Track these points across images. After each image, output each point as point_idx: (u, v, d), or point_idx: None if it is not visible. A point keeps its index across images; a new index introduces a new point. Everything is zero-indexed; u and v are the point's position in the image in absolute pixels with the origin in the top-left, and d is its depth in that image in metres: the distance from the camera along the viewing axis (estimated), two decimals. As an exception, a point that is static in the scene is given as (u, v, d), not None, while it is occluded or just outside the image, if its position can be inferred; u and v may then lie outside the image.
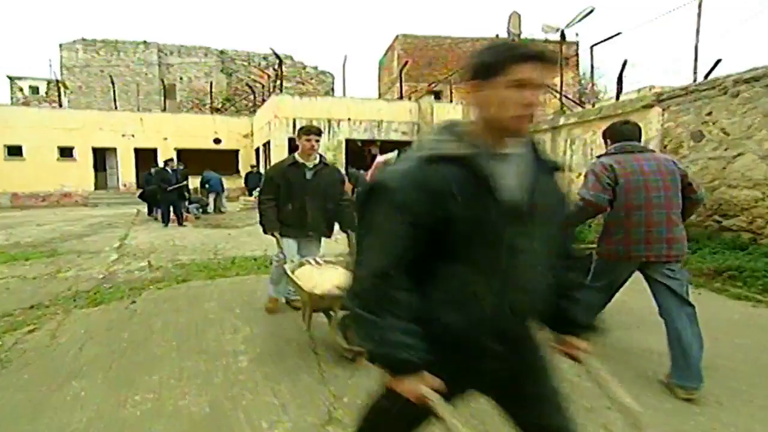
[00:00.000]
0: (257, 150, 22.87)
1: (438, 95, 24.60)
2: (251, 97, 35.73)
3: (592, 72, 16.36)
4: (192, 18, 77.85)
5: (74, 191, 21.41)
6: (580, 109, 13.35)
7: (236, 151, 23.73)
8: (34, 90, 26.83)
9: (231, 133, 23.49)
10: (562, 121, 10.41)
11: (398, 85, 25.89)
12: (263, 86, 28.57)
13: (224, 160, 23.48)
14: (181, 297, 5.02)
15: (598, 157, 3.06)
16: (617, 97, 11.53)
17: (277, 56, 19.34)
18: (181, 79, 35.16)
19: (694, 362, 2.68)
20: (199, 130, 22.94)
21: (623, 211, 2.87)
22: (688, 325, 2.75)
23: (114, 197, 21.30)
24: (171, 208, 11.31)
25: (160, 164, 17.55)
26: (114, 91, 24.15)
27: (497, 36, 21.68)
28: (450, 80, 26.15)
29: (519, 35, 29.78)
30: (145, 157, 22.43)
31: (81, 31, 71.05)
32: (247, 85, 38.92)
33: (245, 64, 38.03)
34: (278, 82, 21.36)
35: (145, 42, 34.91)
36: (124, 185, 22.21)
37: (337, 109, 18.69)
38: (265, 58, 38.14)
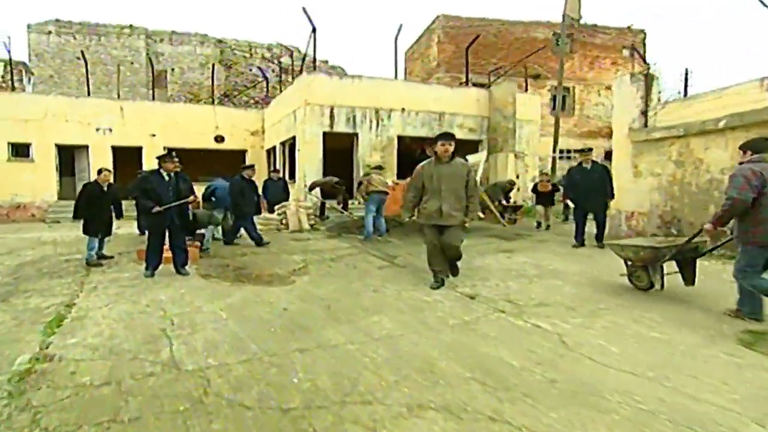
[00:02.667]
0: (270, 151, 17.89)
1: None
2: (252, 92, 31.03)
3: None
4: (186, 1, 71.28)
5: (30, 202, 16.24)
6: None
7: (243, 152, 18.77)
8: (-13, 73, 21.64)
9: (236, 129, 18.52)
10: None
11: (441, 75, 21.25)
12: (267, 81, 23.83)
13: (228, 163, 18.47)
14: None
15: (740, 163, 4.07)
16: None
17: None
18: (172, 70, 30.19)
19: None
20: (196, 125, 17.94)
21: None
22: None
23: (83, 210, 16.14)
24: (163, 240, 6.38)
25: (147, 167, 12.81)
26: (87, 77, 19.07)
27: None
28: (504, 71, 21.56)
29: (579, 20, 25.19)
30: (126, 157, 17.35)
31: (53, 11, 64.61)
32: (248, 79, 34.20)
33: (246, 55, 33.29)
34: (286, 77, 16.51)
35: (130, 26, 29.99)
36: (98, 194, 17.04)
37: (386, 95, 13.89)
38: (269, 49, 33.48)
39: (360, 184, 10.11)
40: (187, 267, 6.43)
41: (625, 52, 24.99)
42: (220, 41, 32.25)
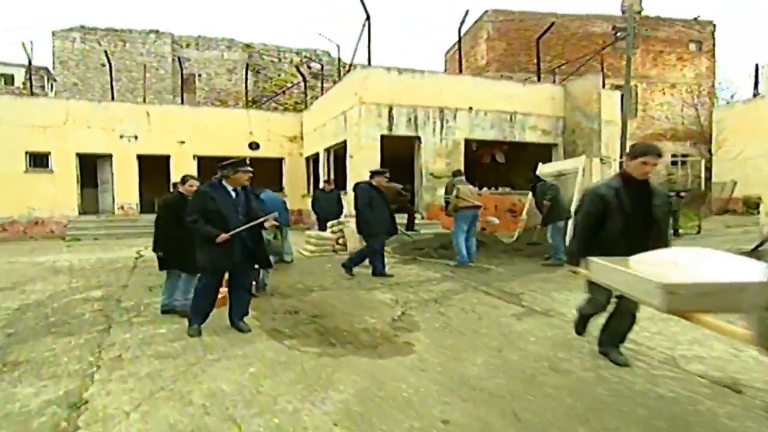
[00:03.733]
0: (311, 159, 16.08)
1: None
2: (281, 99, 29.48)
3: None
4: (212, 5, 70.22)
5: (49, 217, 14.66)
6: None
7: (280, 161, 17.00)
8: (8, 79, 20.38)
9: (272, 135, 16.75)
10: None
11: (491, 74, 19.31)
12: (305, 80, 22.21)
13: (264, 173, 16.71)
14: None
15: None
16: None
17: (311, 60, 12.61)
18: (199, 76, 28.83)
19: None
20: (228, 131, 16.23)
21: None
22: None
23: (106, 226, 14.52)
24: (221, 281, 4.50)
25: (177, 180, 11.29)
26: (111, 79, 17.58)
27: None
28: (560, 69, 19.48)
29: (640, 12, 22.98)
30: (152, 167, 15.72)
31: (77, 17, 64.00)
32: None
33: (275, 60, 31.87)
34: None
35: (156, 31, 28.81)
36: (122, 208, 15.43)
37: (452, 91, 11.94)
38: (298, 54, 32.00)
39: (446, 197, 8.15)
40: (244, 321, 4.49)
41: (692, 47, 22.66)
42: (247, 46, 30.92)
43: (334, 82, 25.03)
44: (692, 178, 21.15)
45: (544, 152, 13.75)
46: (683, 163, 21.84)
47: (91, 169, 15.65)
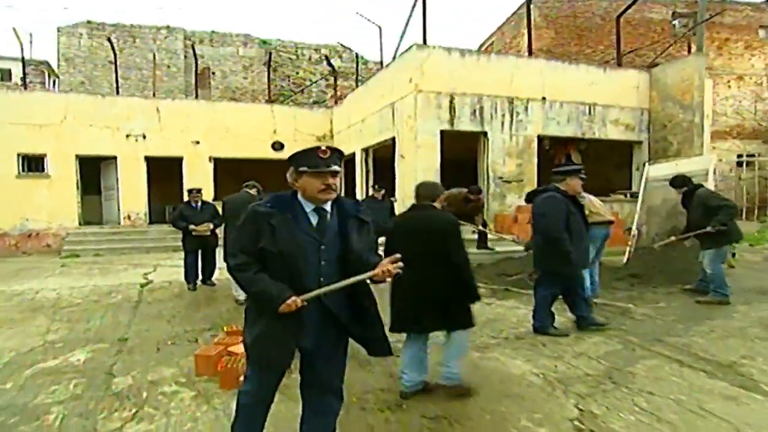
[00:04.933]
0: (348, 161, 13.98)
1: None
2: (298, 98, 27.60)
3: None
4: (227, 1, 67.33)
5: (45, 229, 12.73)
6: None
7: (306, 163, 14.94)
8: (4, 74, 18.62)
9: (299, 134, 14.71)
10: None
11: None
12: (334, 70, 20.41)
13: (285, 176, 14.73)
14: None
15: None
16: None
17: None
18: (213, 74, 27.02)
19: None
20: (249, 129, 14.25)
21: None
22: None
23: (110, 239, 12.55)
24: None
25: (190, 188, 9.44)
26: (116, 70, 15.75)
27: None
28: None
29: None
30: (163, 171, 13.79)
31: (85, 13, 61.79)
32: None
33: (292, 57, 29.98)
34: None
35: (168, 27, 27.07)
36: (128, 218, 13.47)
37: (522, 78, 9.83)
38: (316, 50, 30.10)
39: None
40: None
41: (762, 33, 20.30)
42: (264, 42, 29.10)
43: (356, 81, 23.08)
44: (759, 180, 18.85)
45: (624, 151, 11.61)
46: (748, 164, 19.53)
47: (94, 173, 13.73)
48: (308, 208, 2.18)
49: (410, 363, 3.19)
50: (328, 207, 2.21)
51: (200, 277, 7.22)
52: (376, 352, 2.27)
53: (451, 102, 9.33)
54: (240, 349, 3.51)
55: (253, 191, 6.35)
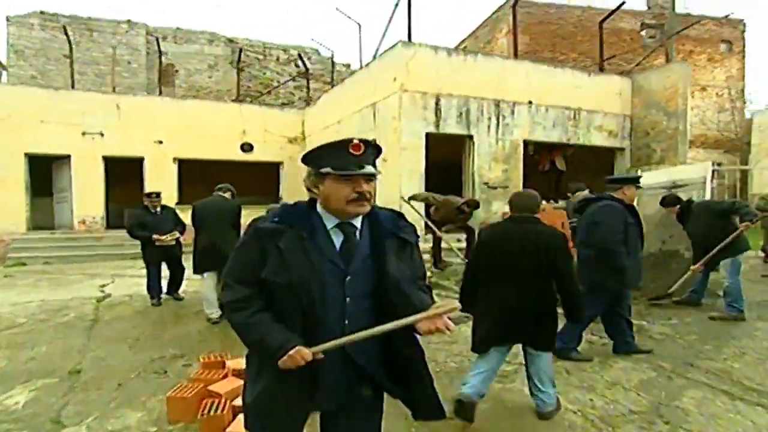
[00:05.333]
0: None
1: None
2: (266, 99, 26.76)
3: None
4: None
5: (-12, 234, 11.55)
6: None
7: (277, 165, 14.27)
8: (-56, 65, 17.04)
9: (269, 135, 14.00)
10: None
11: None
12: (307, 70, 19.80)
13: (257, 180, 13.98)
14: None
15: None
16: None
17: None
18: (177, 71, 25.84)
19: None
20: (216, 129, 13.44)
21: None
22: None
23: (62, 246, 11.46)
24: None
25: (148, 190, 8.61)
26: (72, 63, 14.64)
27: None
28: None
29: (674, 8, 21.22)
30: (122, 172, 12.82)
31: (36, 2, 58.03)
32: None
33: (260, 57, 29.07)
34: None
35: (129, 21, 25.66)
36: (83, 223, 12.39)
37: (509, 81, 9.50)
38: (285, 51, 29.29)
39: (573, 220, 5.62)
40: None
41: (722, 47, 20.87)
42: (230, 40, 28.09)
43: (326, 83, 22.42)
44: (726, 189, 19.31)
45: (606, 158, 11.45)
46: (717, 173, 19.99)
47: (45, 173, 12.60)
48: (330, 223, 1.60)
49: (482, 375, 2.90)
50: (357, 222, 1.63)
51: (165, 289, 6.47)
52: (426, 416, 1.70)
53: (437, 103, 8.89)
54: (224, 388, 2.89)
55: (227, 195, 5.70)
